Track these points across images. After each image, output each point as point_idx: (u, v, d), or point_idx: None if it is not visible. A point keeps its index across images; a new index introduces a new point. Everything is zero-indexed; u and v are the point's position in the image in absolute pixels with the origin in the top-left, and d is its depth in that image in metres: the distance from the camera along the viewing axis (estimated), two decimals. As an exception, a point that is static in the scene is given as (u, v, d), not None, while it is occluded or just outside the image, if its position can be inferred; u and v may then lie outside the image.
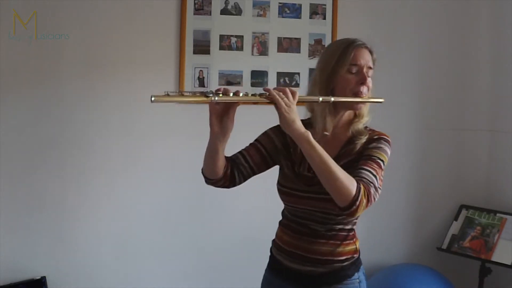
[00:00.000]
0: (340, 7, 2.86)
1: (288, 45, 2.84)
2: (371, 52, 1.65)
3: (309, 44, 2.85)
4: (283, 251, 1.68)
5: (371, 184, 1.47)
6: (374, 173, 1.50)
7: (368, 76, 1.62)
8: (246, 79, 2.79)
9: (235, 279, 2.82)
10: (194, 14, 2.71)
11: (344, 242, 1.63)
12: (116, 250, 2.72)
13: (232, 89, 1.46)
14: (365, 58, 1.62)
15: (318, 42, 2.86)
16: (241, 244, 2.83)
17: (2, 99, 2.52)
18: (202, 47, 2.73)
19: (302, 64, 2.85)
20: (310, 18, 2.85)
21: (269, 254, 1.77)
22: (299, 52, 2.84)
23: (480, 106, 3.07)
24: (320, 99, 1.56)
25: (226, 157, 1.64)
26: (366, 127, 1.68)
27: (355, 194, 1.41)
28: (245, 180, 1.68)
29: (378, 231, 3.03)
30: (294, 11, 2.84)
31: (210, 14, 2.73)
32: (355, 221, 1.64)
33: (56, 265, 2.62)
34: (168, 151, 2.73)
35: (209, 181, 1.64)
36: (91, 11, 2.60)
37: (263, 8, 2.80)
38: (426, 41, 3.01)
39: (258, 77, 2.81)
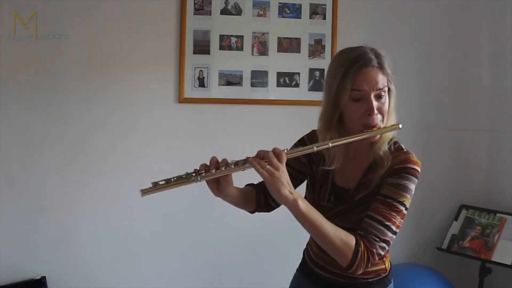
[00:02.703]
0: (340, 7, 2.86)
1: (288, 45, 2.83)
2: (381, 68, 1.39)
3: (309, 44, 2.85)
4: (311, 258, 1.64)
5: (377, 240, 1.33)
6: (386, 222, 1.34)
7: (381, 98, 1.38)
8: (246, 79, 2.79)
9: (235, 279, 2.82)
10: (194, 14, 2.71)
11: None
12: (116, 250, 2.72)
13: (217, 162, 1.41)
14: (371, 81, 1.35)
15: (318, 42, 2.86)
16: (241, 244, 2.83)
17: (2, 99, 2.53)
18: (202, 47, 2.73)
19: (302, 64, 2.85)
20: (310, 18, 2.85)
21: (294, 255, 1.75)
22: (299, 52, 2.84)
23: (480, 106, 3.07)
24: (315, 148, 1.36)
25: (255, 186, 1.61)
26: (394, 143, 1.48)
27: (351, 259, 1.31)
28: None
29: (378, 231, 3.03)
30: (294, 11, 2.84)
31: (210, 14, 2.73)
32: None
33: (56, 265, 2.62)
34: (168, 151, 2.73)
35: (250, 212, 1.64)
36: (91, 11, 2.60)
37: (263, 8, 2.80)
38: (426, 41, 3.00)
39: (258, 77, 2.81)
